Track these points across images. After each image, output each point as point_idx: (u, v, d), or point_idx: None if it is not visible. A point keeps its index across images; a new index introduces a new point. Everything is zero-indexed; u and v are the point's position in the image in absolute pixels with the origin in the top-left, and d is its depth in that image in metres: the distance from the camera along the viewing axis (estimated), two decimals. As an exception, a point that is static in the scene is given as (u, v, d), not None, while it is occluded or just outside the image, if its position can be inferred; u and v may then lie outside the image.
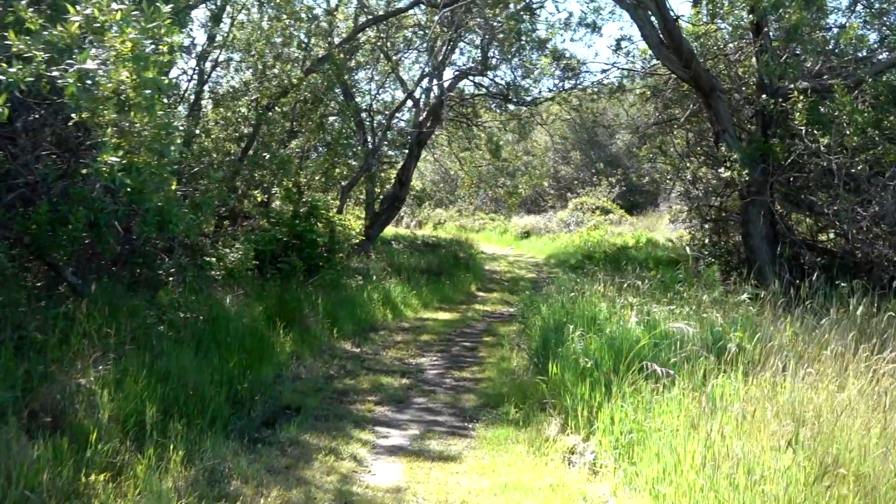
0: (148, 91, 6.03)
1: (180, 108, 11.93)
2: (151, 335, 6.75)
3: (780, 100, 11.03)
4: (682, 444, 4.59)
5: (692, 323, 6.53)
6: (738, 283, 10.50)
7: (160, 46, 6.17)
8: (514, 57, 18.83)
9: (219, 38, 12.38)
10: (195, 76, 12.17)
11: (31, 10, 5.43)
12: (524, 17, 17.08)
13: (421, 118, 18.04)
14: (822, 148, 10.38)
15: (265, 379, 7.71)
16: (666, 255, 18.27)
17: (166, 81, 6.82)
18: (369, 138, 18.27)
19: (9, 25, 5.14)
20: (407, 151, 18.90)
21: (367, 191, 19.02)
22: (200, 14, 12.71)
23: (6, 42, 5.11)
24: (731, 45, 13.35)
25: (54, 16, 5.88)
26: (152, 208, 7.17)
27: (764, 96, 11.18)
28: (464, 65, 19.75)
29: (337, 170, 15.77)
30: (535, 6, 16.22)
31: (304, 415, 7.00)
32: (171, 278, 8.63)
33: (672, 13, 11.60)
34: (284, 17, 13.38)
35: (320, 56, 14.14)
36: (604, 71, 25.96)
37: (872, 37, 12.22)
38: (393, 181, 18.99)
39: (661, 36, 11.73)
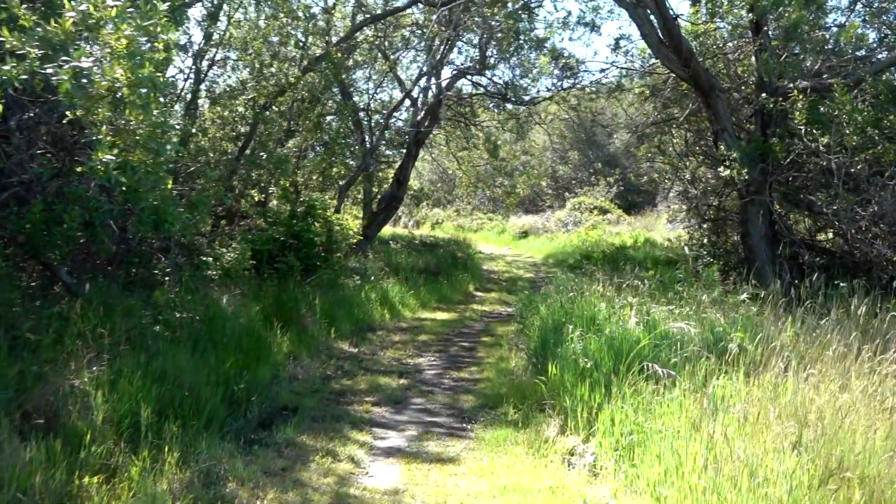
0: (144, 89, 5.99)
1: (177, 106, 11.85)
2: (147, 335, 6.69)
3: (780, 99, 10.98)
4: (684, 445, 4.53)
5: (692, 323, 6.47)
6: (737, 282, 10.47)
7: (156, 44, 6.12)
8: (512, 56, 18.79)
9: (215, 36, 12.30)
10: (192, 75, 12.10)
11: (25, 6, 5.36)
12: (522, 16, 17.03)
13: (419, 117, 17.97)
14: (822, 147, 10.34)
15: (262, 379, 7.64)
16: (664, 255, 18.22)
17: (162, 79, 6.78)
18: (367, 138, 18.20)
19: (2, 22, 5.07)
20: (405, 151, 18.83)
21: (365, 190, 18.95)
22: (197, 13, 12.67)
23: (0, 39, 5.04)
24: (730, 44, 13.30)
25: (48, 12, 5.82)
26: (148, 207, 7.11)
27: (764, 95, 11.13)
28: (462, 64, 19.72)
29: (334, 169, 15.69)
30: (533, 5, 16.17)
31: (301, 416, 6.94)
32: (167, 278, 8.56)
33: (671, 12, 11.55)
34: (282, 15, 13.31)
35: (318, 55, 14.06)
36: (602, 70, 25.88)
37: (872, 36, 12.16)
38: (391, 181, 18.93)
39: (660, 35, 11.68)
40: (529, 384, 7.83)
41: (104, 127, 5.89)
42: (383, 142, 18.44)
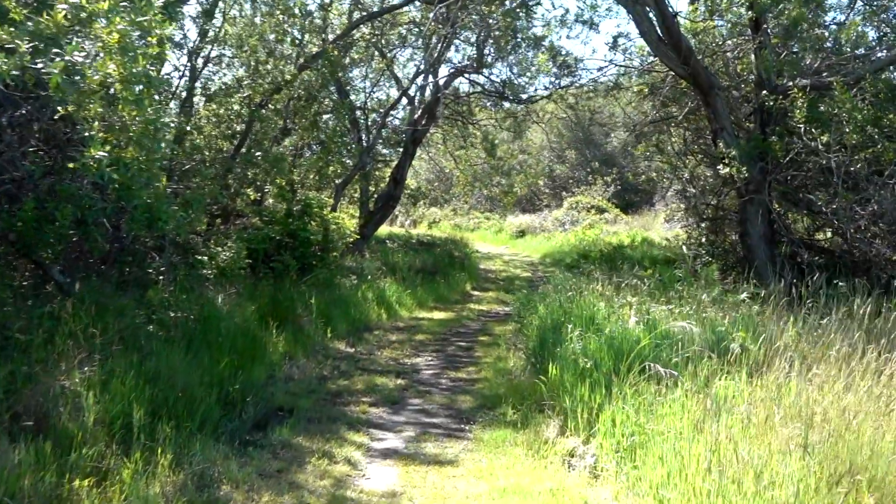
0: (137, 85, 5.90)
1: (172, 104, 11.75)
2: (140, 335, 6.59)
3: (780, 97, 10.91)
4: (687, 447, 4.45)
5: (694, 322, 6.39)
6: (736, 282, 10.41)
7: (150, 39, 6.03)
8: (509, 54, 18.71)
9: (211, 33, 12.19)
10: (187, 72, 12.00)
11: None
12: (520, 14, 16.94)
13: (416, 116, 17.88)
14: (821, 146, 10.27)
15: (257, 380, 7.54)
16: (662, 255, 18.17)
17: (156, 74, 6.70)
18: (364, 136, 18.12)
19: (-7, 16, 4.98)
20: (402, 150, 18.74)
21: (362, 189, 18.84)
22: (192, 9, 12.56)
23: (-10, 33, 4.95)
24: (729, 42, 13.23)
25: (40, 6, 5.72)
26: (141, 205, 7.03)
27: (764, 92, 11.06)
28: (459, 62, 19.62)
29: (331, 168, 15.58)
30: (531, 3, 16.06)
31: (297, 417, 6.84)
32: (161, 277, 8.46)
33: (670, 9, 11.46)
34: (278, 12, 13.22)
35: (314, 53, 13.97)
36: (600, 69, 25.79)
37: (871, 34, 12.11)
38: (387, 180, 18.84)
39: (659, 32, 11.60)
40: (528, 384, 7.75)
41: (96, 123, 5.80)
42: (380, 140, 18.35)
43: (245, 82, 12.81)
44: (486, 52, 18.85)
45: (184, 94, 12.00)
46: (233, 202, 12.65)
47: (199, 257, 9.76)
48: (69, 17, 5.56)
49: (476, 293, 17.19)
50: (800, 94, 10.41)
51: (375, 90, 20.32)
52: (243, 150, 12.49)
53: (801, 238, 12.00)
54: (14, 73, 5.09)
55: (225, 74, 13.83)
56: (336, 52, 14.21)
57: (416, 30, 17.88)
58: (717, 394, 4.93)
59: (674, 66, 11.69)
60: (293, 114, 14.33)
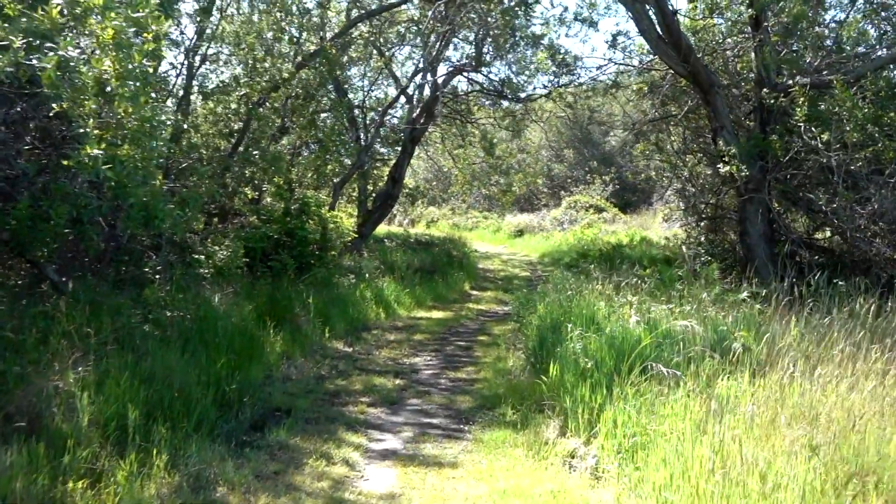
0: (133, 82, 5.83)
1: (169, 102, 11.67)
2: (135, 335, 6.51)
3: (780, 95, 10.86)
4: (690, 448, 4.38)
5: (695, 322, 6.32)
6: (735, 281, 10.35)
7: (145, 35, 5.96)
8: (508, 53, 18.65)
9: (208, 31, 12.11)
10: (184, 70, 11.92)
11: (11, -6, 5.18)
12: (519, 12, 16.88)
13: (414, 115, 17.82)
14: (821, 145, 10.22)
15: (254, 380, 7.47)
16: (661, 254, 18.12)
17: (153, 70, 6.62)
18: (362, 135, 18.05)
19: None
20: (400, 148, 18.67)
21: (360, 188, 18.78)
22: (189, 7, 12.48)
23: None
24: (729, 40, 13.17)
25: (34, 2, 5.64)
26: (137, 204, 6.96)
27: (765, 90, 11.01)
28: (458, 61, 19.56)
29: (329, 167, 15.53)
30: (530, 1, 16.00)
31: (295, 417, 6.77)
32: (157, 276, 8.39)
33: (670, 7, 11.40)
34: (275, 10, 13.14)
35: (312, 51, 13.89)
36: (599, 67, 25.74)
37: (872, 33, 12.06)
38: (386, 179, 18.77)
39: (659, 30, 11.54)
40: (528, 384, 7.69)
41: (91, 121, 5.73)
42: (378, 139, 18.28)
43: (242, 80, 12.73)
44: (485, 50, 18.80)
45: (181, 93, 11.93)
46: (230, 201, 12.58)
47: (196, 256, 9.70)
48: (64, 12, 5.51)
49: (475, 292, 17.13)
50: (800, 93, 10.35)
51: (374, 89, 20.30)
52: (241, 148, 12.41)
53: (801, 237, 11.94)
54: (8, 69, 5.03)
55: (222, 72, 13.77)
56: (334, 51, 14.14)
57: (415, 28, 17.81)
58: (719, 394, 4.87)
59: (674, 64, 11.64)
60: (291, 112, 14.25)
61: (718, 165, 11.29)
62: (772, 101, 10.90)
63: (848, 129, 10.13)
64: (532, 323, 9.30)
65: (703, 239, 14.64)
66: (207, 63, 12.92)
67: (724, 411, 4.55)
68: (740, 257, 12.33)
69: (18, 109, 6.66)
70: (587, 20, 16.83)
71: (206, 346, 7.21)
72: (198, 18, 11.66)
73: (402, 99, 18.64)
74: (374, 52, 18.19)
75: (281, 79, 12.77)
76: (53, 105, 5.61)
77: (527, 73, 19.02)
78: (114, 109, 5.94)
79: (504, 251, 27.12)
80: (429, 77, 18.01)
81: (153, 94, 9.64)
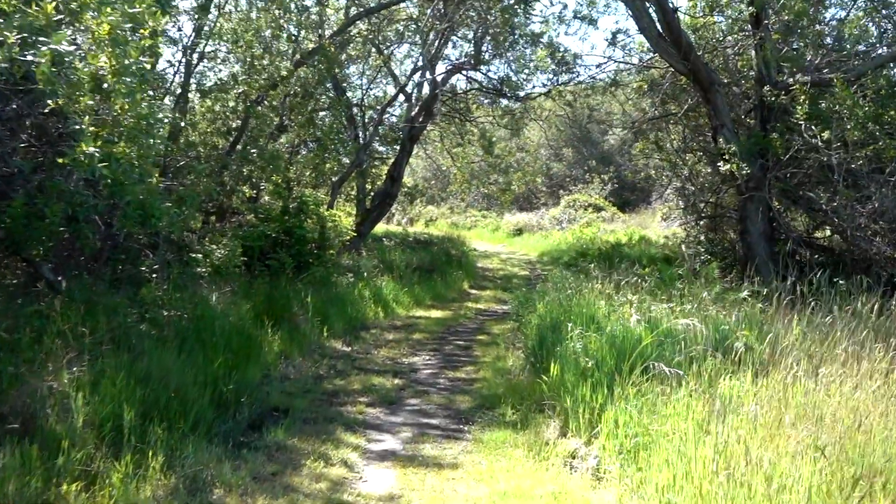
0: (129, 78, 5.77)
1: (166, 100, 11.61)
2: (131, 334, 6.43)
3: (781, 93, 10.81)
4: (693, 449, 4.31)
5: (698, 320, 6.26)
6: (735, 280, 10.30)
7: (142, 31, 5.90)
8: (507, 51, 18.59)
9: (206, 28, 12.04)
10: (182, 68, 11.85)
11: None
12: (518, 10, 16.82)
13: (413, 113, 17.76)
14: (821, 143, 10.18)
15: (252, 380, 7.39)
16: (660, 253, 18.08)
17: (150, 66, 6.56)
18: (360, 133, 17.99)
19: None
20: (399, 147, 18.61)
21: (358, 187, 18.72)
22: (187, 4, 12.41)
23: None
24: (729, 38, 13.12)
25: (29, -2, 5.58)
26: (133, 202, 6.89)
27: (766, 88, 10.95)
28: (457, 59, 19.51)
29: (327, 165, 15.47)
30: (529, -1, 15.96)
31: (293, 417, 6.70)
32: (154, 275, 8.31)
33: (670, 4, 11.33)
34: (274, 7, 13.07)
35: (310, 49, 13.83)
36: (599, 65, 25.69)
37: (872, 31, 12.01)
38: (384, 177, 18.72)
39: (659, 28, 11.49)
40: (528, 384, 7.64)
41: (87, 118, 5.66)
42: (377, 138, 18.22)
43: (241, 78, 12.66)
44: (484, 48, 18.74)
45: (178, 90, 11.86)
46: (228, 199, 12.51)
47: (194, 255, 9.62)
48: (60, 7, 5.44)
49: (474, 292, 17.08)
50: (801, 91, 10.30)
51: (372, 87, 20.22)
52: (239, 146, 12.35)
53: (801, 236, 11.89)
54: (3, 65, 4.97)
55: (220, 70, 13.70)
56: (333, 49, 14.08)
57: (414, 26, 17.74)
58: (722, 394, 4.80)
59: (674, 62, 11.59)
60: (289, 110, 14.18)
61: (719, 164, 11.24)
62: (772, 99, 10.85)
63: (848, 127, 10.08)
64: (531, 322, 9.24)
65: (702, 238, 14.59)
66: (205, 61, 12.86)
67: (727, 411, 4.49)
68: (740, 256, 12.28)
69: (14, 106, 6.59)
70: (587, 18, 16.81)
71: (203, 345, 7.14)
72: (195, 16, 11.60)
73: (401, 97, 18.59)
74: (373, 50, 18.13)
75: (279, 77, 12.70)
76: (49, 102, 5.55)
77: (526, 71, 18.98)
78: (110, 106, 5.88)
79: (503, 250, 27.07)
80: (427, 75, 17.95)
81: (150, 92, 9.62)
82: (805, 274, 8.08)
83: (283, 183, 13.11)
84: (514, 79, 19.06)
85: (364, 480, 5.46)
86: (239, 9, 13.58)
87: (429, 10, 16.85)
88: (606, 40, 16.99)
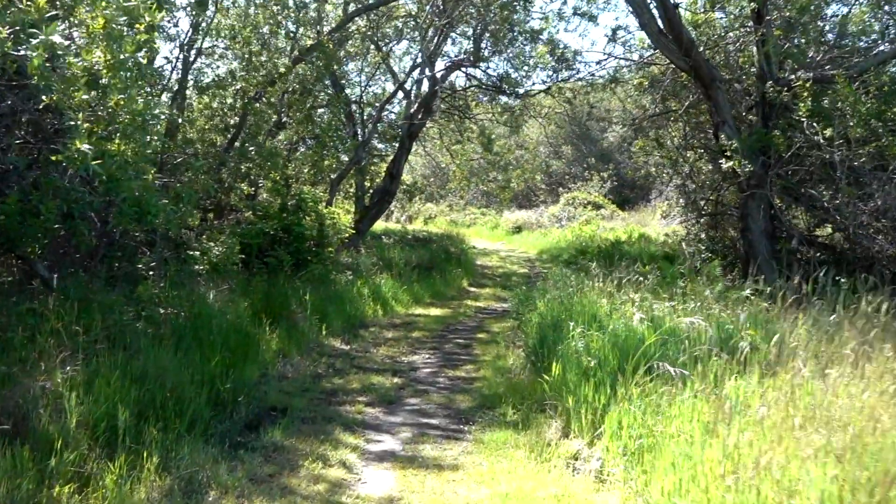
0: (125, 74, 5.69)
1: (164, 96, 11.51)
2: (127, 333, 6.34)
3: (783, 89, 10.72)
4: (699, 451, 4.22)
5: (702, 319, 6.17)
6: (739, 278, 10.21)
7: (137, 26, 5.81)
8: (507, 48, 18.50)
9: (203, 24, 11.94)
10: (179, 64, 11.76)
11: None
12: (517, 6, 16.74)
13: (412, 110, 17.67)
14: (823, 140, 10.09)
15: (249, 379, 7.31)
16: (661, 251, 18.00)
17: (146, 60, 6.46)
18: (359, 131, 17.90)
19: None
20: (398, 144, 18.53)
21: (357, 184, 18.65)
22: (184, 0, 12.28)
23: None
24: (730, 34, 13.02)
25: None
26: (129, 198, 6.81)
27: (769, 83, 10.86)
28: (456, 56, 19.41)
29: (326, 162, 15.39)
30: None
31: (290, 417, 6.61)
32: (151, 273, 8.22)
33: (671, 0, 11.23)
34: (272, 3, 12.97)
35: (309, 45, 13.74)
36: (599, 62, 25.59)
37: (875, 26, 11.92)
38: (383, 175, 18.63)
39: (660, 24, 11.39)
40: (528, 383, 7.56)
41: (81, 114, 5.57)
42: (376, 135, 18.13)
43: (238, 75, 12.57)
44: (483, 45, 18.65)
45: (176, 87, 11.76)
46: (226, 196, 12.43)
47: (192, 252, 9.53)
48: (56, 3, 5.36)
49: (473, 289, 17.00)
50: (803, 87, 10.22)
51: (371, 84, 20.12)
52: (237, 143, 12.26)
53: (803, 234, 11.80)
54: (-5, 61, 4.88)
55: (218, 67, 13.61)
56: (331, 45, 13.99)
57: (413, 22, 17.65)
58: (727, 395, 4.71)
59: (675, 58, 11.49)
60: (288, 107, 14.10)
61: (720, 161, 11.15)
62: (774, 96, 10.76)
63: (851, 124, 9.99)
64: (532, 320, 9.15)
65: (703, 235, 14.50)
66: (203, 57, 12.79)
67: (734, 413, 4.40)
68: (741, 254, 12.19)
69: (9, 103, 6.50)
70: (586, 14, 16.70)
71: (200, 343, 7.04)
72: (193, 12, 11.50)
73: (400, 94, 18.52)
74: (372, 46, 18.04)
75: (277, 73, 12.62)
76: (43, 97, 5.46)
77: (525, 68, 18.88)
78: (105, 102, 5.79)
79: (502, 248, 27.00)
80: (427, 72, 17.86)
81: (147, 88, 9.54)
82: (807, 272, 7.99)
83: (282, 180, 13.02)
84: (513, 76, 18.98)
85: (363, 482, 5.37)
86: (237, 5, 13.47)
87: (428, 7, 16.78)
88: (606, 37, 16.95)
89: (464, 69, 19.45)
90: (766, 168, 11.13)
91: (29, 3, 5.01)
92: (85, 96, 5.58)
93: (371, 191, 18.57)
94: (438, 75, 18.40)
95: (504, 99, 20.69)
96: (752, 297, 7.63)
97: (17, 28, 5.00)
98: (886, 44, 11.90)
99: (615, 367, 5.98)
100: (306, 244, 11.94)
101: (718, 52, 13.10)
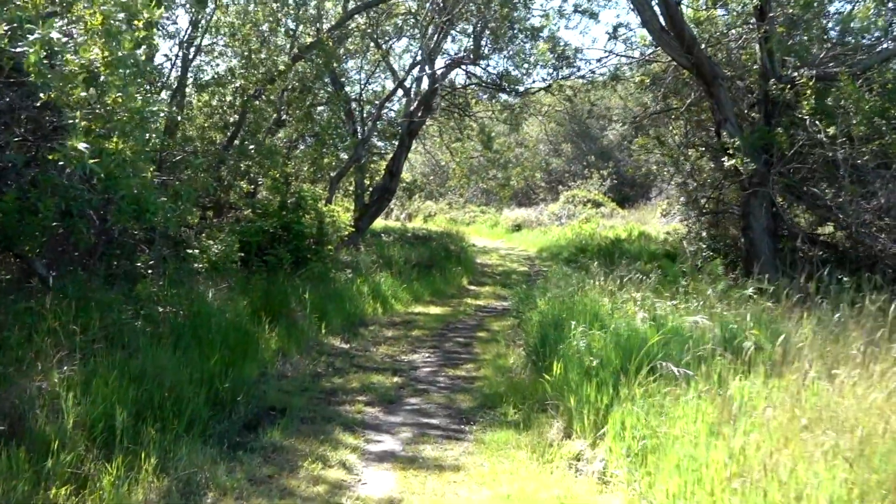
0: (123, 71, 5.63)
1: (163, 94, 11.46)
2: (125, 332, 6.28)
3: (786, 86, 10.67)
4: (705, 453, 4.17)
5: (706, 318, 6.12)
6: (741, 277, 10.16)
7: (136, 22, 5.76)
8: (507, 45, 18.44)
9: (203, 22, 11.88)
10: (178, 62, 11.70)
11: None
12: (517, 3, 16.68)
13: (412, 108, 17.61)
14: (826, 138, 10.03)
15: (248, 378, 7.24)
16: (661, 249, 17.95)
17: (144, 57, 6.41)
18: (359, 128, 17.85)
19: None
20: (397, 142, 18.47)
21: (357, 182, 18.59)
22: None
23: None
24: (732, 31, 12.97)
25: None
26: (128, 196, 6.75)
27: (772, 81, 10.80)
28: (456, 53, 19.35)
29: (326, 160, 15.32)
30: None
31: (290, 417, 6.56)
32: (150, 271, 8.16)
33: (673, -3, 11.18)
34: (271, 1, 12.90)
35: (308, 43, 13.68)
36: (600, 59, 25.51)
37: (880, 23, 11.85)
38: (383, 172, 18.57)
39: (662, 21, 11.34)
40: (529, 383, 7.50)
41: (78, 112, 5.52)
42: (375, 132, 18.07)
43: (238, 72, 12.51)
44: (483, 43, 18.59)
45: (175, 85, 11.70)
46: (226, 194, 12.37)
47: (191, 250, 9.48)
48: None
49: (473, 288, 16.95)
50: (806, 85, 10.16)
51: (371, 81, 20.09)
52: (236, 141, 12.21)
53: (805, 232, 11.75)
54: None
55: (217, 64, 13.54)
56: (331, 43, 13.93)
57: (412, 20, 17.59)
58: (732, 396, 4.65)
59: (677, 55, 11.44)
60: (287, 105, 14.04)
61: (723, 159, 11.09)
62: (777, 93, 10.70)
63: (854, 122, 9.93)
64: (532, 319, 9.09)
65: (704, 234, 14.44)
66: (202, 55, 12.72)
67: (740, 414, 4.34)
68: (743, 252, 12.14)
69: (7, 100, 6.44)
70: (587, 11, 16.64)
71: (199, 342, 6.99)
72: (192, 9, 11.44)
73: (400, 92, 18.45)
74: (372, 44, 17.97)
75: (277, 71, 12.56)
76: (41, 94, 5.41)
77: (525, 66, 18.82)
78: (104, 99, 5.73)
79: (502, 246, 26.94)
80: (426, 70, 17.79)
81: (147, 86, 9.48)
82: (809, 271, 7.94)
83: (281, 178, 12.96)
84: (513, 73, 18.92)
85: (363, 483, 5.32)
86: (236, 2, 13.40)
87: (427, 4, 16.71)
88: (607, 34, 16.85)
89: (464, 67, 19.40)
90: (769, 166, 11.07)
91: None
92: (83, 93, 5.54)
93: (371, 189, 18.51)
94: (438, 73, 18.34)
95: (504, 97, 20.66)
96: (755, 296, 7.59)
97: (15, 25, 4.95)
98: (890, 41, 11.83)
99: (618, 366, 5.92)
100: (306, 242, 11.88)
101: (720, 50, 13.04)
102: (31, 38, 4.60)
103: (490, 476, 5.39)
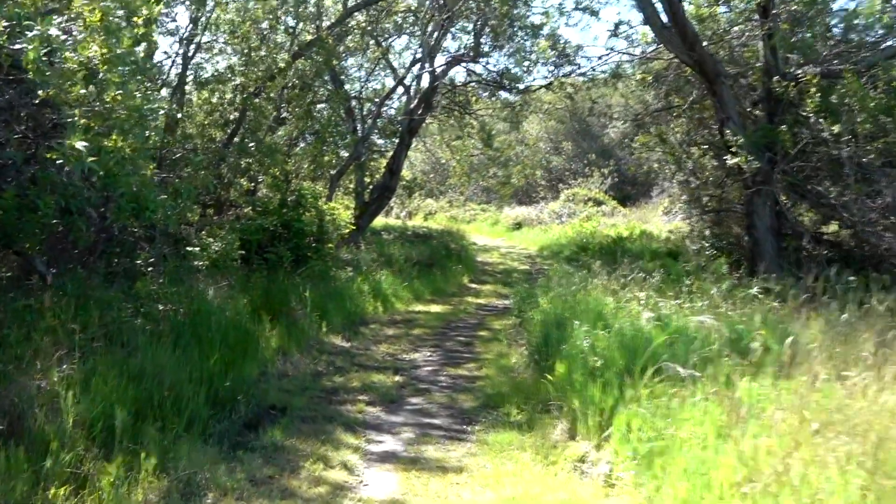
0: (122, 68, 5.57)
1: (163, 91, 11.40)
2: (125, 330, 6.21)
3: (790, 83, 10.60)
4: (714, 457, 4.10)
5: (713, 317, 6.05)
6: (745, 276, 10.10)
7: (135, 19, 5.70)
8: (507, 43, 18.38)
9: (202, 19, 11.82)
10: (178, 59, 11.65)
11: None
12: (517, 1, 16.62)
13: (412, 105, 17.54)
14: (830, 136, 9.97)
15: (249, 377, 7.17)
16: (663, 248, 17.88)
17: (143, 55, 6.34)
18: (359, 126, 17.79)
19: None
20: (398, 140, 18.40)
21: (357, 180, 18.52)
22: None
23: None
24: (735, 28, 12.90)
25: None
26: (127, 194, 6.70)
27: (776, 78, 10.73)
28: (456, 51, 19.28)
29: (326, 158, 15.26)
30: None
31: (291, 416, 6.49)
32: (150, 269, 8.10)
33: (676, -6, 11.11)
34: (272, -2, 12.85)
35: (308, 41, 13.62)
36: (600, 57, 25.46)
37: (885, 19, 11.78)
38: (383, 170, 18.50)
39: (664, 18, 11.27)
40: (532, 382, 7.45)
41: (77, 110, 5.45)
42: (376, 130, 18.01)
43: (238, 70, 12.46)
44: (484, 40, 18.52)
45: (175, 82, 11.65)
46: (226, 192, 12.31)
47: (191, 248, 9.41)
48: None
49: (473, 286, 16.90)
50: (811, 82, 10.10)
51: (371, 79, 20.01)
52: (236, 138, 12.15)
53: (809, 231, 11.69)
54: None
55: (217, 62, 13.48)
56: (330, 40, 13.87)
57: (412, 17, 17.53)
58: (742, 397, 4.58)
59: (679, 53, 11.38)
60: (287, 103, 13.98)
61: (725, 157, 11.03)
62: (780, 91, 10.64)
63: (859, 119, 9.86)
64: (534, 318, 9.04)
65: (707, 232, 14.39)
66: (202, 52, 12.66)
67: (748, 416, 4.28)
68: (747, 251, 12.08)
69: (6, 97, 6.38)
70: (588, 9, 16.58)
71: (199, 341, 6.91)
72: (192, 6, 11.38)
73: (400, 90, 18.38)
74: (372, 41, 17.91)
75: (277, 69, 12.50)
76: (40, 92, 5.35)
77: (526, 63, 18.76)
78: (103, 97, 5.67)
79: (502, 244, 26.88)
80: (426, 67, 17.73)
81: (147, 83, 9.41)
82: (813, 270, 7.88)
83: (281, 176, 12.90)
84: (513, 71, 18.86)
85: (365, 484, 5.25)
86: (236, -1, 13.34)
87: (427, 2, 16.65)
88: (609, 31, 16.79)
89: (464, 64, 19.34)
90: (772, 164, 11.01)
91: (24, -6, 4.91)
92: (82, 91, 5.47)
93: (371, 187, 18.44)
94: (438, 71, 18.28)
95: (504, 94, 20.61)
96: (760, 296, 7.52)
97: (14, 21, 4.89)
98: (895, 38, 11.77)
99: (622, 367, 5.85)
100: (306, 240, 11.82)
101: (723, 47, 12.97)
102: (30, 34, 4.54)
103: (493, 478, 5.33)
